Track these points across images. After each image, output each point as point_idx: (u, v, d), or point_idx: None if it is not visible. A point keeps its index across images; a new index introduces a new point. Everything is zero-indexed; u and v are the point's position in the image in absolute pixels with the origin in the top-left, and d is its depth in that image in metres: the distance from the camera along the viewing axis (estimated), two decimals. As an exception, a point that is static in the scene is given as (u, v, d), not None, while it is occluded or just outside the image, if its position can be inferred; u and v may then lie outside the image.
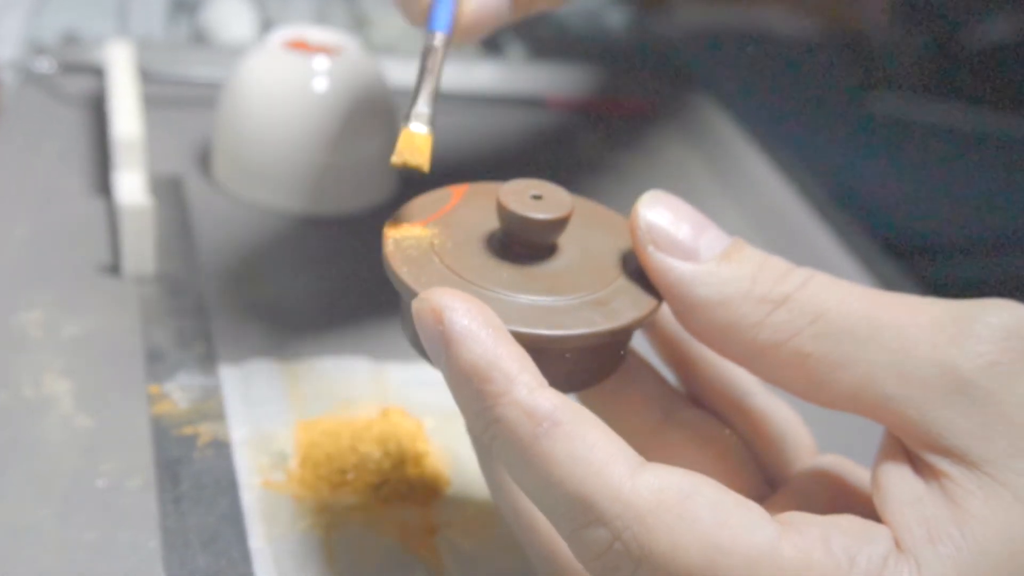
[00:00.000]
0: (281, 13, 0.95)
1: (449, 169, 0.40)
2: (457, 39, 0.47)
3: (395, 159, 0.38)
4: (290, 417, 0.52)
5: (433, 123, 0.40)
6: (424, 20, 0.46)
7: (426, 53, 0.43)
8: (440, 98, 0.42)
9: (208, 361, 0.55)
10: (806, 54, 1.15)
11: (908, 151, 1.01)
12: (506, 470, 0.33)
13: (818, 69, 1.13)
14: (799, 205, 0.78)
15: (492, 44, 0.95)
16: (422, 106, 0.40)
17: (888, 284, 0.69)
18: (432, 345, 0.33)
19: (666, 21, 1.17)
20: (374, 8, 0.99)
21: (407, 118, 0.40)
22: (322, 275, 0.63)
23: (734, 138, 0.86)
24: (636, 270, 0.37)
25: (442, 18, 0.45)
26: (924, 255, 0.91)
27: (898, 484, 0.33)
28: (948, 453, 0.32)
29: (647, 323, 0.37)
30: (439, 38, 0.44)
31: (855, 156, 1.01)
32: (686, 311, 0.36)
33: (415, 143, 0.39)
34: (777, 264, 0.35)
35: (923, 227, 0.94)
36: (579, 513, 0.31)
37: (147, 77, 0.77)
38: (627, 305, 0.36)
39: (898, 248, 0.82)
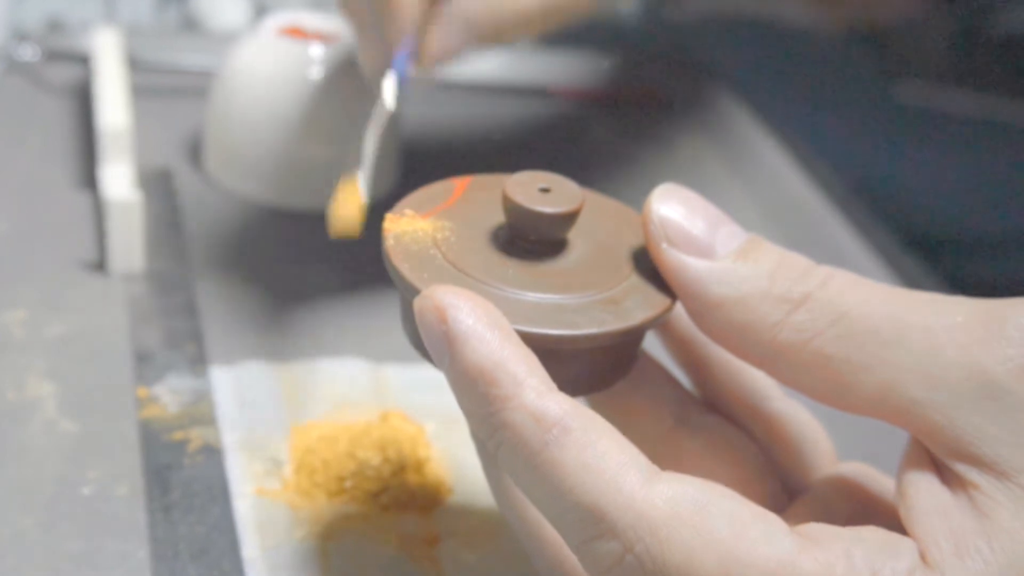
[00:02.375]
0: (276, -2, 0.95)
1: (452, 161, 0.40)
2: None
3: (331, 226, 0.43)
4: (285, 421, 0.52)
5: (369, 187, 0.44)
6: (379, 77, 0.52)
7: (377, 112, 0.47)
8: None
9: (199, 363, 0.55)
10: (826, 41, 1.15)
11: (933, 142, 1.01)
12: (512, 478, 0.33)
13: (838, 56, 1.12)
14: (819, 199, 0.78)
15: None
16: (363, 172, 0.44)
17: (913, 282, 0.68)
18: (435, 346, 0.33)
19: (680, 7, 1.17)
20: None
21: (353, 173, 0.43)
22: (318, 272, 0.63)
23: (751, 129, 0.86)
24: (649, 268, 0.37)
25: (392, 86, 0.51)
26: (951, 251, 0.91)
27: (924, 494, 0.33)
28: (977, 461, 0.32)
29: (660, 323, 0.37)
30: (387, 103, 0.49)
31: (877, 147, 1.01)
32: (701, 311, 0.36)
33: (350, 205, 0.42)
34: (797, 261, 0.35)
35: (950, 221, 0.93)
36: (589, 524, 0.31)
37: (135, 65, 0.77)
38: (639, 304, 0.36)
39: (923, 244, 0.82)
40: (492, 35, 0.55)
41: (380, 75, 0.52)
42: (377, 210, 0.39)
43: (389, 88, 0.50)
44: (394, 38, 0.53)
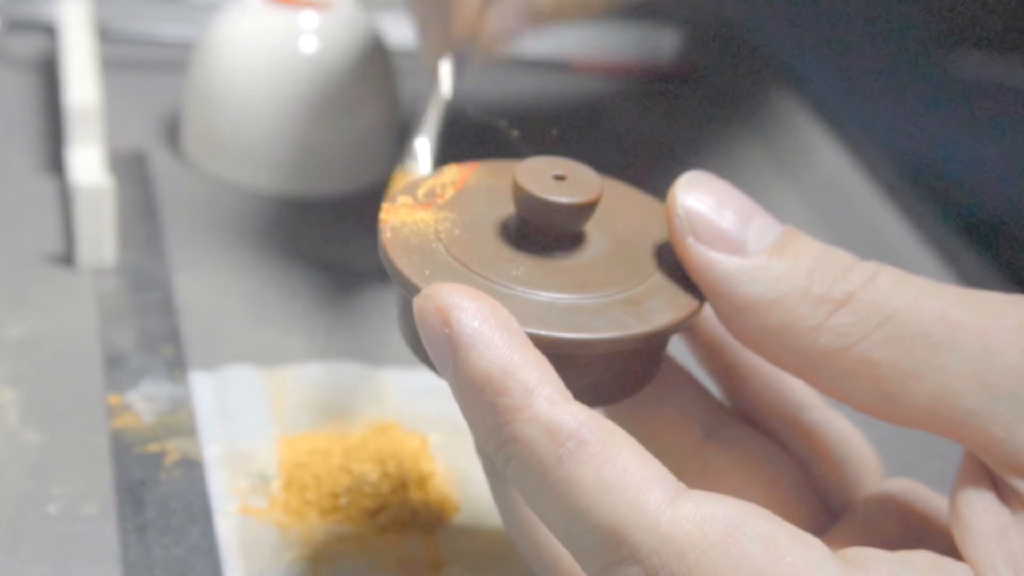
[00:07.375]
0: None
1: (457, 144, 0.40)
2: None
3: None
4: (272, 432, 0.52)
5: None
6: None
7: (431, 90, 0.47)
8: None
9: (177, 367, 0.55)
10: (874, 8, 1.15)
11: (993, 120, 1.01)
12: (523, 497, 0.33)
13: (888, 25, 1.13)
14: (866, 186, 0.78)
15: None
16: (421, 147, 0.44)
17: (972, 279, 0.68)
18: (437, 350, 0.33)
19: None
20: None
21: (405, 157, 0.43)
22: (310, 266, 0.63)
23: (792, 108, 0.86)
24: (674, 264, 0.37)
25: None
26: (1012, 244, 0.91)
27: (980, 514, 0.33)
28: (1039, 477, 0.33)
29: (686, 326, 0.37)
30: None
31: (932, 127, 1.01)
32: (732, 312, 0.36)
33: None
34: (838, 257, 0.35)
35: (1011, 211, 0.93)
36: (609, 548, 0.31)
37: (106, 36, 0.77)
38: (663, 305, 0.36)
39: (982, 236, 0.82)
40: (551, 13, 0.57)
41: (438, 61, 0.55)
42: (373, 199, 0.39)
43: (446, 75, 0.52)
44: (458, 29, 0.55)
